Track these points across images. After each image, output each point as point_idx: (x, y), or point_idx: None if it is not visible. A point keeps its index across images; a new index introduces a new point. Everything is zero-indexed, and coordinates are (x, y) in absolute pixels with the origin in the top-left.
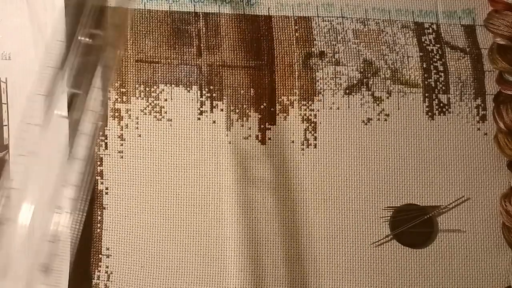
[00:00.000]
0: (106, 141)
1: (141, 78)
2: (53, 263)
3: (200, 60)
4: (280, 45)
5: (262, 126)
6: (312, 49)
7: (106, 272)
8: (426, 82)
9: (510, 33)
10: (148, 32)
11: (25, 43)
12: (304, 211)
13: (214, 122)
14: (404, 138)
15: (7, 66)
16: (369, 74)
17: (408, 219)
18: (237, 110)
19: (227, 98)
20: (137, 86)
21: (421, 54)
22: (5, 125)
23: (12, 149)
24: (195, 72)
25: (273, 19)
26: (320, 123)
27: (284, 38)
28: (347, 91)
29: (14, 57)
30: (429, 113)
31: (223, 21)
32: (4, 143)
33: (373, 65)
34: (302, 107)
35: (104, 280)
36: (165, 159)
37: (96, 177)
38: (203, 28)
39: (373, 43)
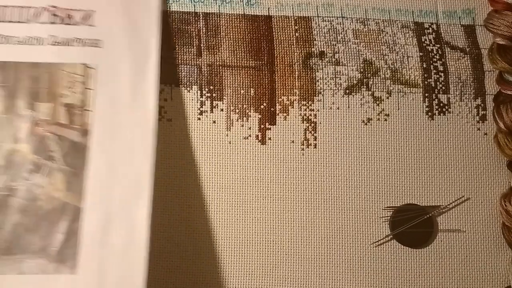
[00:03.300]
0: None
1: None
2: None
3: (200, 60)
4: (280, 45)
5: (262, 126)
6: (312, 49)
7: None
8: (426, 82)
9: (510, 33)
10: None
11: (117, 32)
12: (304, 211)
13: (214, 122)
14: (404, 138)
15: (98, 53)
16: (369, 74)
17: (408, 219)
18: (237, 110)
19: (227, 98)
20: None
21: (421, 54)
22: (89, 110)
23: (95, 135)
24: (195, 72)
25: (273, 19)
26: (320, 123)
27: (284, 38)
28: (347, 91)
29: (105, 45)
30: (429, 113)
31: (223, 21)
32: (86, 128)
33: (373, 65)
34: (302, 107)
35: None
36: (165, 159)
37: None
38: (203, 28)
39: (373, 43)
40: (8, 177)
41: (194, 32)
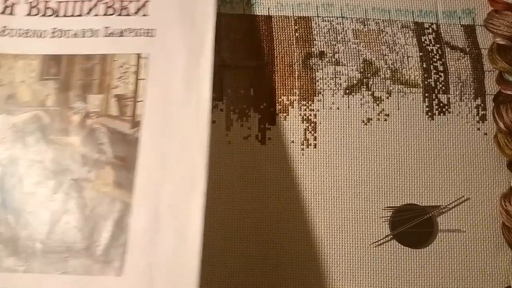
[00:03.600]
0: None
1: None
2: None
3: None
4: (280, 45)
5: (262, 126)
6: (312, 49)
7: None
8: (426, 82)
9: (510, 33)
10: None
11: (171, 20)
12: (304, 211)
13: (213, 122)
14: (404, 138)
15: (151, 43)
16: (369, 74)
17: (408, 219)
18: (236, 110)
19: (227, 98)
20: None
21: (421, 54)
22: (140, 101)
23: (147, 127)
24: None
25: (273, 19)
26: (320, 123)
27: (284, 38)
28: (347, 91)
29: (159, 34)
30: (429, 113)
31: (223, 21)
32: (137, 119)
33: (373, 65)
34: (302, 107)
35: None
36: None
37: None
38: None
39: (373, 43)
40: (56, 171)
41: None
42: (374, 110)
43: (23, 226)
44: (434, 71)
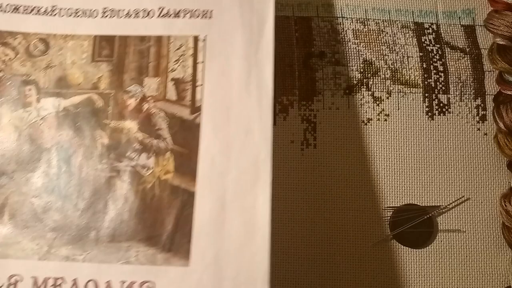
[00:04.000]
0: None
1: None
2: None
3: None
4: (280, 45)
5: None
6: (312, 49)
7: None
8: (426, 82)
9: (510, 33)
10: None
11: (229, 2)
12: (304, 211)
13: None
14: (404, 138)
15: (208, 24)
16: (369, 74)
17: (408, 219)
18: None
19: None
20: None
21: (421, 54)
22: (200, 85)
23: (208, 112)
24: None
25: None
26: (320, 123)
27: (284, 38)
28: (347, 91)
29: (216, 15)
30: (429, 113)
31: None
32: (197, 105)
33: (373, 65)
34: (301, 107)
35: None
36: None
37: None
38: None
39: (373, 43)
40: (112, 157)
41: None
42: (374, 110)
43: (79, 214)
44: (434, 71)
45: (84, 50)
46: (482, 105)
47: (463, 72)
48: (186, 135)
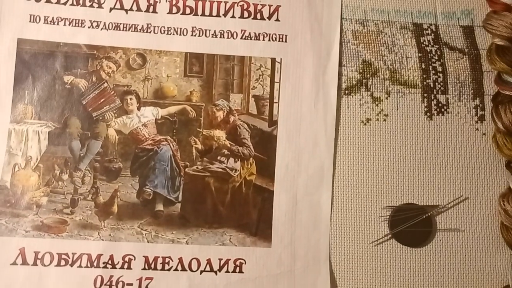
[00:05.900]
0: None
1: None
2: None
3: None
4: None
5: None
6: None
7: None
8: (424, 83)
9: (508, 34)
10: None
11: (301, 28)
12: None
13: None
14: (403, 138)
15: (283, 47)
16: (368, 75)
17: (407, 218)
18: None
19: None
20: None
21: (419, 54)
22: (276, 102)
23: (282, 126)
24: None
25: None
26: None
27: None
28: (347, 91)
29: (290, 40)
30: (428, 113)
31: None
32: (274, 119)
33: (372, 66)
34: None
35: None
36: None
37: None
38: None
39: (372, 44)
40: (206, 160)
41: None
42: (373, 110)
43: (180, 206)
44: (433, 71)
45: (177, 65)
46: (480, 105)
47: (462, 72)
48: (265, 144)
